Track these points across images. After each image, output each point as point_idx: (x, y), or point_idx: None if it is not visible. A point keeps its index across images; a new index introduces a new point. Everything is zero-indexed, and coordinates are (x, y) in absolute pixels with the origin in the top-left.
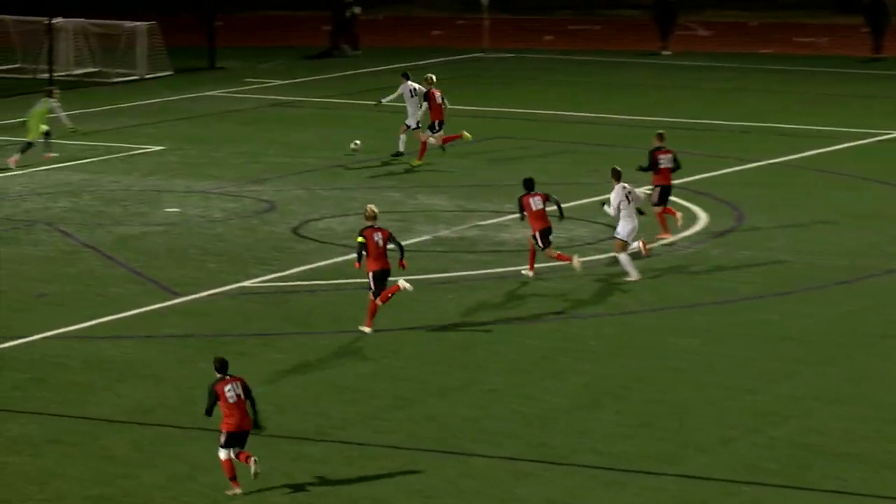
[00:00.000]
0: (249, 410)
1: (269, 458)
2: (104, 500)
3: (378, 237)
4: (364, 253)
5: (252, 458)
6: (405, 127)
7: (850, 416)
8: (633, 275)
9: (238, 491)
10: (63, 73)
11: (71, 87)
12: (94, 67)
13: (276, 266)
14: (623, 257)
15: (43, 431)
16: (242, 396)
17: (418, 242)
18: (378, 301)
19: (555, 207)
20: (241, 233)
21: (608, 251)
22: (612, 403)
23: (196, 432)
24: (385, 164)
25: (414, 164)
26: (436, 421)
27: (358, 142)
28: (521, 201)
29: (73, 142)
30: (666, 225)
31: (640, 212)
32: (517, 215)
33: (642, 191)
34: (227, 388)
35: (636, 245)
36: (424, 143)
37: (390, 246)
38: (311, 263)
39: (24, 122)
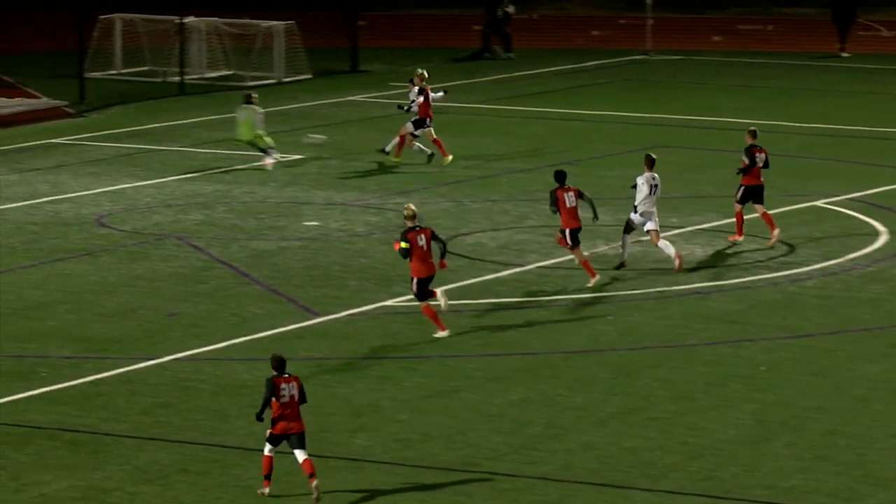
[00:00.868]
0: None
1: (413, 490)
2: None
3: (422, 239)
4: (408, 257)
5: (315, 485)
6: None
7: None
8: (625, 255)
9: (266, 491)
10: (195, 76)
11: (203, 90)
12: (228, 70)
13: None
14: (625, 238)
15: (172, 459)
16: (296, 397)
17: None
18: (424, 309)
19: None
20: (385, 248)
21: (755, 273)
22: (785, 434)
23: (335, 461)
24: (531, 171)
25: (394, 161)
26: (593, 451)
27: (318, 137)
28: (554, 195)
29: (207, 150)
30: (741, 227)
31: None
32: (678, 230)
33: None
34: (284, 385)
35: (646, 223)
36: (403, 138)
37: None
38: (459, 281)
39: (236, 133)
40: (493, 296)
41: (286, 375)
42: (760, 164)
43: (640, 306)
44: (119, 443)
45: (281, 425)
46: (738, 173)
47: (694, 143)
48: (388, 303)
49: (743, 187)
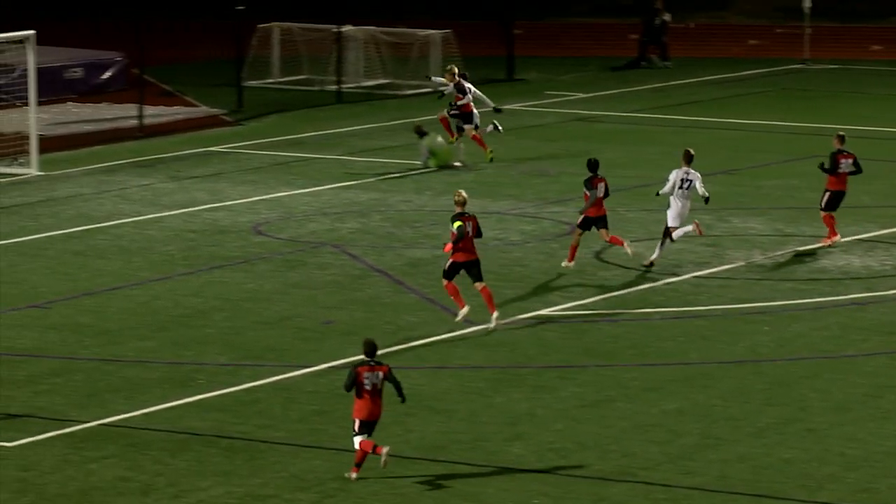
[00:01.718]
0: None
1: (569, 499)
2: None
3: (468, 225)
4: (461, 238)
5: (384, 450)
6: (483, 129)
7: None
8: (656, 254)
9: (354, 476)
10: (352, 85)
11: (360, 99)
12: (385, 79)
13: (577, 294)
14: (677, 233)
15: (328, 467)
16: (379, 386)
17: (731, 269)
18: (447, 286)
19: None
20: (540, 258)
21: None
22: None
23: (490, 471)
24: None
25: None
26: (749, 462)
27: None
28: (589, 182)
29: (363, 158)
30: (834, 229)
31: (706, 199)
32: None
33: (703, 190)
34: (367, 374)
35: (691, 228)
36: (476, 138)
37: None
38: (614, 291)
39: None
40: (648, 305)
41: (374, 363)
42: (847, 171)
43: (796, 317)
44: (275, 450)
45: (365, 412)
46: (819, 167)
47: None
48: (544, 311)
49: (828, 193)
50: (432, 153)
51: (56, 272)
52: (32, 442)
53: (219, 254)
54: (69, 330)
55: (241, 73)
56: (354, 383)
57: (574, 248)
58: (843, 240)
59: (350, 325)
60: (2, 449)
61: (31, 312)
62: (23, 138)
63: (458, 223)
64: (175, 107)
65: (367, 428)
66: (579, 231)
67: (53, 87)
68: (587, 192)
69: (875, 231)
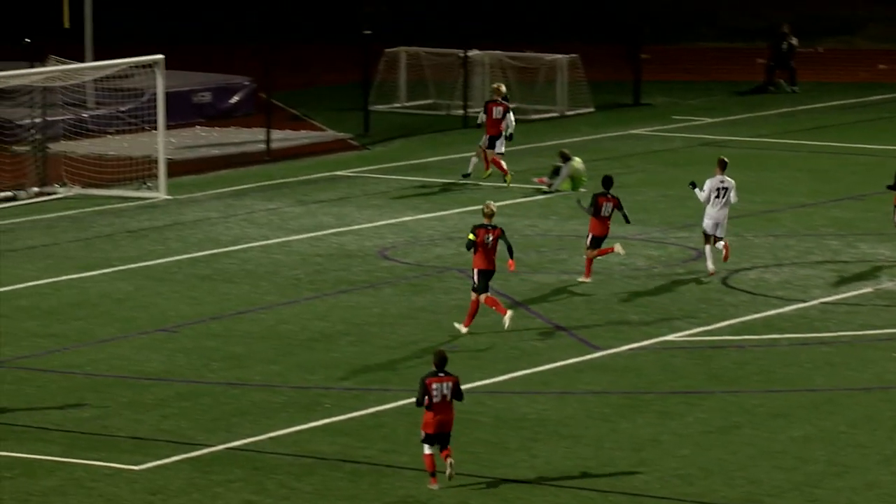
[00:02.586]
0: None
1: None
2: None
3: (489, 237)
4: (472, 249)
5: (450, 460)
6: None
7: None
8: (710, 266)
9: (435, 487)
10: (478, 110)
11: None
12: (511, 104)
13: (703, 319)
14: (707, 249)
15: (453, 492)
16: (448, 397)
17: (859, 295)
18: (483, 301)
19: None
20: (666, 283)
21: None
22: None
23: (615, 496)
24: (816, 206)
25: (486, 175)
26: (878, 489)
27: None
28: (595, 199)
29: (489, 182)
30: None
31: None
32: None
33: (736, 198)
34: (436, 385)
35: (720, 245)
36: (496, 161)
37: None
38: (740, 317)
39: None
40: (775, 331)
41: (442, 374)
42: None
43: None
44: (399, 474)
45: (433, 424)
46: (888, 188)
47: None
48: (670, 337)
49: None
50: (571, 177)
51: (183, 296)
52: (160, 465)
53: (345, 278)
54: (196, 353)
55: (367, 97)
56: (425, 394)
57: (589, 263)
58: None
59: (475, 349)
60: (130, 472)
61: (158, 336)
62: (151, 162)
63: (470, 235)
64: (302, 131)
65: (440, 440)
66: (591, 250)
67: (182, 112)
68: (583, 207)
69: None
